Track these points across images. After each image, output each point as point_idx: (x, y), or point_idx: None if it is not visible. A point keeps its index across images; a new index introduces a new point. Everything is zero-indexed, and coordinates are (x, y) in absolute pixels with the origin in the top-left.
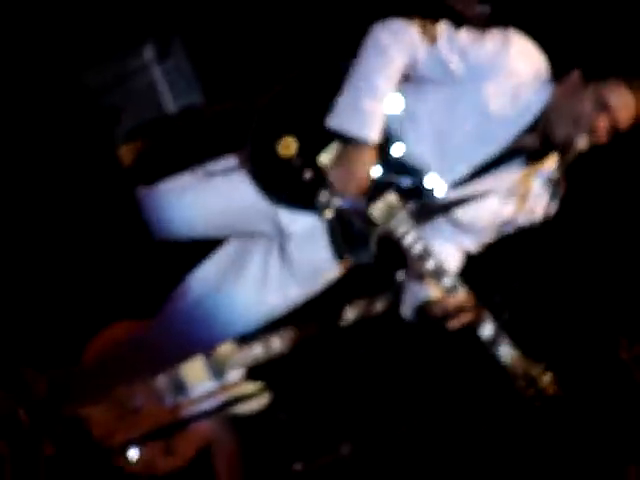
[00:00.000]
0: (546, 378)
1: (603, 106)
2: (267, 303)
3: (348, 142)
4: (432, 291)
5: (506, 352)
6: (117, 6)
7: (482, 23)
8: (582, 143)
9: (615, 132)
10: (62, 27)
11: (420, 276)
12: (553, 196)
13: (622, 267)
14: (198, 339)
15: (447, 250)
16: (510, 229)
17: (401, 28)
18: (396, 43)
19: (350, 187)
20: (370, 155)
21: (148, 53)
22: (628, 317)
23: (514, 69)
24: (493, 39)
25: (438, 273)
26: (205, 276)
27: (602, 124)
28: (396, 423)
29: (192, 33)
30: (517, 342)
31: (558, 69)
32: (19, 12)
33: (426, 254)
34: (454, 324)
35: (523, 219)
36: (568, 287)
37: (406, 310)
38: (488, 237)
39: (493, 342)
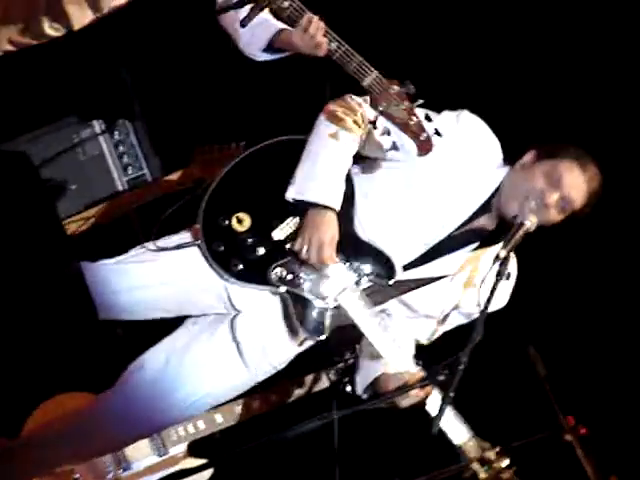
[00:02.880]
0: (503, 462)
1: (554, 182)
2: (214, 387)
3: (310, 210)
4: (386, 368)
5: (459, 433)
6: (66, 80)
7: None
8: (531, 223)
9: (567, 213)
10: (10, 97)
11: (373, 354)
12: (499, 275)
13: (564, 345)
14: (145, 422)
15: (401, 334)
16: (462, 319)
17: (355, 102)
18: (350, 115)
19: (321, 254)
20: (334, 219)
21: (97, 125)
22: (572, 394)
23: (466, 147)
24: (446, 116)
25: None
26: (155, 357)
27: (553, 199)
28: None
29: (142, 106)
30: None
31: (513, 153)
32: None
33: (379, 332)
34: (407, 401)
35: (472, 306)
36: (512, 367)
37: (359, 386)
38: (439, 326)
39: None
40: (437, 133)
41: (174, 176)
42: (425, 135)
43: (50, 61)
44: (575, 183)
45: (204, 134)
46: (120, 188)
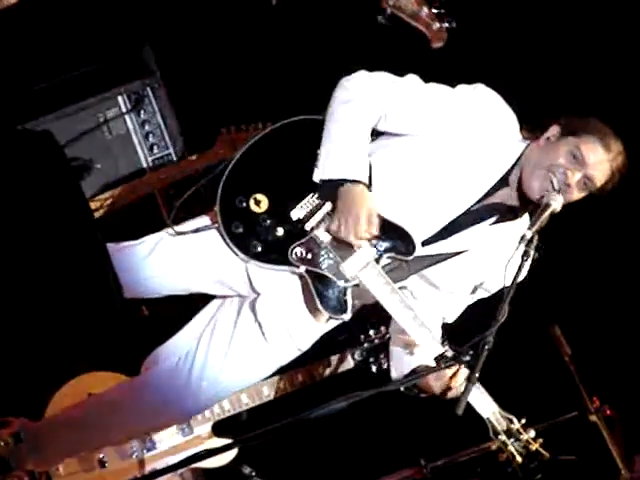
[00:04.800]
0: (529, 434)
1: (577, 159)
2: (240, 374)
3: (340, 190)
4: (421, 359)
5: (486, 407)
6: (92, 59)
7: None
8: (557, 204)
9: (589, 191)
10: (36, 76)
11: (405, 343)
12: (525, 256)
13: (589, 324)
14: (172, 410)
15: (425, 312)
16: (484, 293)
17: (368, 78)
18: (364, 91)
19: (360, 230)
20: (366, 192)
21: (122, 104)
22: (597, 374)
23: (483, 120)
24: (462, 89)
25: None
26: (181, 345)
27: (575, 179)
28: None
29: (167, 83)
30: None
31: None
32: None
33: (402, 308)
34: (452, 392)
35: (495, 281)
36: (537, 346)
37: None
38: (462, 302)
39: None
40: (449, 22)
41: (199, 156)
42: (437, 25)
43: (77, 41)
44: (598, 162)
45: (230, 114)
46: (145, 167)
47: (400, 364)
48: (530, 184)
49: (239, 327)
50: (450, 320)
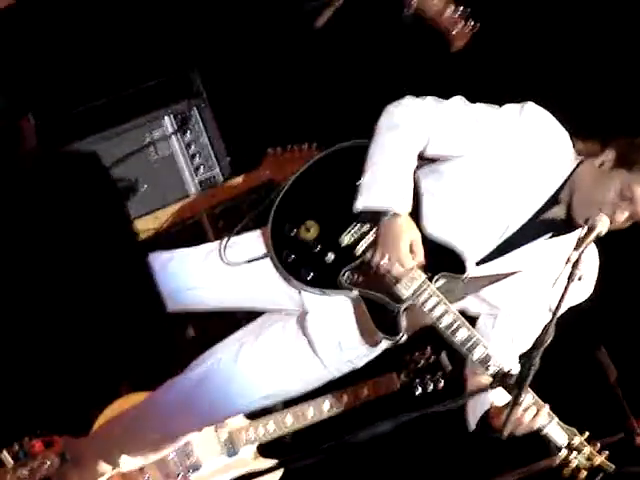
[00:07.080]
0: (592, 447)
1: (628, 197)
2: (284, 380)
3: (383, 220)
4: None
5: (544, 420)
6: (138, 80)
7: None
8: (603, 226)
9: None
10: (83, 97)
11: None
12: (571, 277)
13: (636, 346)
14: (211, 411)
15: (489, 336)
16: (546, 313)
17: (414, 104)
18: (410, 118)
19: (405, 261)
20: (409, 223)
21: (169, 125)
22: None
23: (532, 139)
24: (509, 109)
25: (471, 346)
26: (227, 349)
27: (623, 217)
28: None
29: (213, 104)
30: None
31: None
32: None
33: (457, 327)
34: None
35: (551, 299)
36: (583, 368)
37: (471, 421)
38: (529, 323)
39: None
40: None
41: (245, 177)
42: (461, 25)
43: (123, 62)
44: None
45: (276, 134)
46: (192, 189)
47: (474, 406)
48: (578, 212)
49: (287, 337)
50: (524, 345)
